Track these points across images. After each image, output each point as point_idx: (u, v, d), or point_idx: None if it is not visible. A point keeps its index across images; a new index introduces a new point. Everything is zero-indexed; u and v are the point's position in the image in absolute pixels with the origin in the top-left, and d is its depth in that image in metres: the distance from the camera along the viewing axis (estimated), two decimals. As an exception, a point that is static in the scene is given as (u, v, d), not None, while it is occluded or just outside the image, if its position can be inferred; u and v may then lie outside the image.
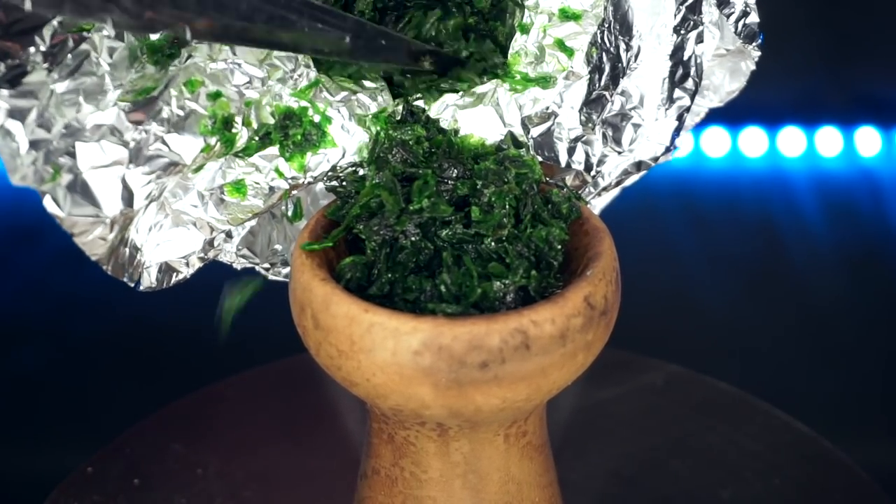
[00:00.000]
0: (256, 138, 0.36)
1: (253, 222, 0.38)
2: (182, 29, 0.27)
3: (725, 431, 0.52)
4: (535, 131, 0.36)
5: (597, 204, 0.41)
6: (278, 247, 0.40)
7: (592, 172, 0.36)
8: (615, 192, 0.40)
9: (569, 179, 0.37)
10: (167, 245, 0.36)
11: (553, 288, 0.33)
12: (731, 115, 0.93)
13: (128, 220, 0.35)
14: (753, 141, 0.92)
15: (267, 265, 0.40)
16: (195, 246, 0.36)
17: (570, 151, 0.37)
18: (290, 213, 0.40)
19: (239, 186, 0.36)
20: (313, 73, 0.35)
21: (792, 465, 0.50)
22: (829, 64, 0.93)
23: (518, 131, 0.36)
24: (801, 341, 0.70)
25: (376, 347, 0.30)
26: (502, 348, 0.30)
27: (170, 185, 0.35)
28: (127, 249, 0.36)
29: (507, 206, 0.33)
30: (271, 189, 0.36)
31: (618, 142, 0.36)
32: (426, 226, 0.33)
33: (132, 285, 0.36)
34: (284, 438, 0.53)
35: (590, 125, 0.36)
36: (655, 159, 0.37)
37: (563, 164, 0.36)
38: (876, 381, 0.66)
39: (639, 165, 0.37)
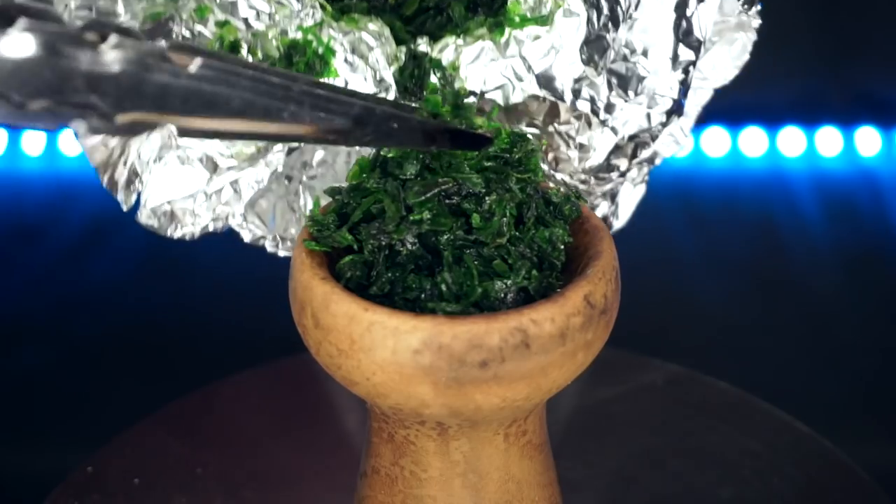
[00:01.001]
0: None
1: (261, 181, 0.38)
2: (169, 129, 0.25)
3: (725, 431, 0.52)
4: (538, 66, 0.36)
5: (628, 200, 0.41)
6: (292, 230, 0.40)
7: (601, 117, 0.36)
8: (641, 188, 0.40)
9: (586, 136, 0.37)
10: (171, 184, 0.36)
11: (553, 287, 0.33)
12: (731, 115, 0.93)
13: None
14: (753, 141, 0.92)
15: (273, 240, 0.40)
16: (199, 185, 0.36)
17: (576, 93, 0.36)
18: (310, 209, 0.40)
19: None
20: (319, 14, 0.36)
21: (792, 465, 0.50)
22: (829, 64, 0.94)
23: (519, 66, 0.36)
24: (801, 341, 0.70)
25: (376, 346, 0.30)
26: (502, 347, 0.30)
27: None
28: (126, 171, 0.36)
29: (508, 214, 0.33)
30: None
31: (624, 90, 0.36)
32: (426, 235, 0.33)
33: (124, 209, 0.36)
34: (284, 438, 0.53)
35: (592, 65, 0.36)
36: (664, 124, 0.36)
37: (567, 104, 0.36)
38: (876, 381, 0.66)
39: (649, 131, 0.36)
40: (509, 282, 0.32)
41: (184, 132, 0.24)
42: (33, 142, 0.90)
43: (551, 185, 0.36)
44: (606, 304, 0.32)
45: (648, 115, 0.36)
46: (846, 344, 0.70)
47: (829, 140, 0.91)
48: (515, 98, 0.38)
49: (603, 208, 0.40)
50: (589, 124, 0.37)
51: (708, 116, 0.93)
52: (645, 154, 0.38)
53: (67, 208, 0.84)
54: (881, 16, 0.92)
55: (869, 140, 0.91)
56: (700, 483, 0.50)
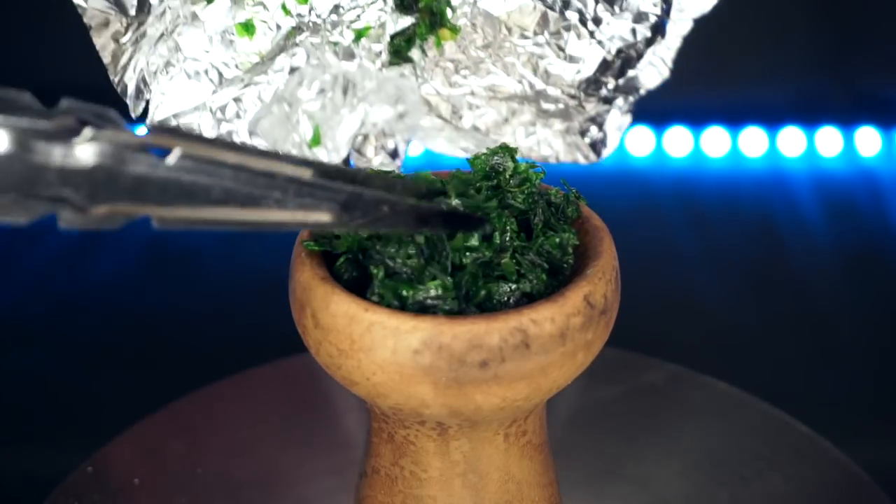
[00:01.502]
0: None
1: (264, 98, 0.38)
2: (149, 219, 0.24)
3: (725, 431, 0.52)
4: None
5: (615, 128, 0.41)
6: (292, 152, 0.40)
7: (589, 28, 0.37)
8: (628, 118, 0.41)
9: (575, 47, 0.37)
10: (178, 97, 0.37)
11: (553, 287, 0.33)
12: (731, 115, 0.93)
13: (141, 34, 0.35)
14: (753, 141, 0.92)
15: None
16: (205, 96, 0.37)
17: (565, 4, 0.37)
18: (309, 138, 0.40)
19: (248, 26, 0.37)
20: None
21: (792, 465, 0.50)
22: (829, 64, 0.94)
23: None
24: (801, 341, 0.70)
25: (376, 346, 0.30)
26: (502, 347, 0.30)
27: (183, 13, 0.36)
28: (135, 78, 0.36)
29: (510, 229, 0.33)
30: (278, 27, 0.36)
31: (610, 3, 0.37)
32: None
33: (132, 115, 0.37)
34: (284, 438, 0.53)
35: None
36: (649, 40, 0.37)
37: (557, 13, 0.37)
38: (876, 380, 0.66)
39: (634, 47, 0.37)
40: (515, 286, 0.32)
41: (163, 221, 0.24)
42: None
43: (551, 188, 0.36)
44: (606, 304, 0.32)
45: (634, 31, 0.37)
46: (846, 344, 0.69)
47: (829, 140, 0.91)
48: (509, 6, 0.39)
49: (593, 133, 0.41)
50: (578, 36, 0.38)
51: (708, 116, 0.94)
52: (631, 72, 0.39)
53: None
54: (881, 16, 0.92)
55: (869, 140, 0.91)
56: (700, 483, 0.50)
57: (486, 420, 0.32)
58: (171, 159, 0.23)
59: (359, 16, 0.38)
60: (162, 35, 0.36)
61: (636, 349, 0.56)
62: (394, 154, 0.42)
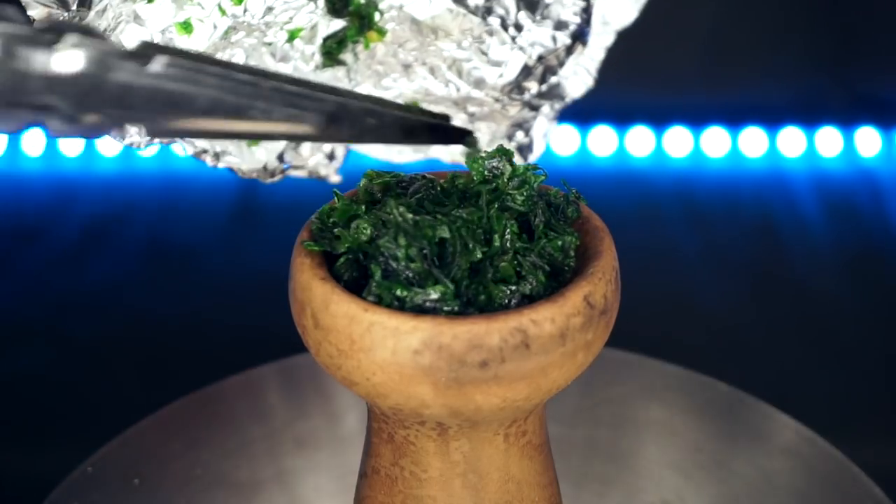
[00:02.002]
0: None
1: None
2: (137, 130, 0.24)
3: (726, 431, 0.52)
4: None
5: (541, 134, 0.43)
6: (230, 147, 0.41)
7: (511, 33, 0.38)
8: (553, 125, 0.42)
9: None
10: None
11: (553, 288, 0.33)
12: (731, 115, 0.93)
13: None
14: (753, 141, 0.92)
15: (213, 156, 0.41)
16: None
17: (487, 10, 0.39)
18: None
19: (186, 25, 0.38)
20: None
21: (792, 466, 0.50)
22: (829, 64, 0.94)
23: None
24: (801, 341, 0.70)
25: (376, 346, 0.30)
26: (502, 347, 0.30)
27: (125, 12, 0.37)
28: None
29: (510, 231, 0.33)
30: (215, 26, 0.38)
31: (531, 11, 0.38)
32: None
33: None
34: (284, 438, 0.53)
35: None
36: (569, 48, 0.38)
37: (479, 19, 0.38)
38: (876, 381, 0.66)
39: (555, 53, 0.38)
40: (515, 288, 0.32)
41: (152, 132, 0.24)
42: (33, 142, 0.90)
43: (551, 188, 0.36)
44: (606, 304, 0.32)
45: (554, 38, 0.38)
46: (846, 344, 0.70)
47: (829, 140, 0.91)
48: (434, 10, 0.39)
49: (519, 138, 0.42)
50: (500, 41, 0.39)
51: (708, 116, 0.94)
52: (554, 79, 0.39)
53: (67, 208, 0.84)
54: (881, 16, 0.92)
55: (869, 140, 0.91)
56: (700, 483, 0.50)
57: (486, 420, 0.32)
58: (156, 66, 0.23)
59: (291, 18, 0.40)
60: (105, 31, 0.37)
61: (636, 349, 0.56)
62: (331, 156, 0.44)
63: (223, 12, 0.39)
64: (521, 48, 0.40)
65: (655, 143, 0.92)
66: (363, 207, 0.33)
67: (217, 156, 0.41)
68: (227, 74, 0.25)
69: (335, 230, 0.33)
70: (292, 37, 0.41)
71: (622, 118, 0.92)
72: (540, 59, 0.40)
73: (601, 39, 0.42)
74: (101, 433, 0.51)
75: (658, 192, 0.88)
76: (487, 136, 0.38)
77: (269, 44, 0.40)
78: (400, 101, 0.42)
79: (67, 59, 0.21)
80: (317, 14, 0.41)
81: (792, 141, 0.91)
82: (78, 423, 0.61)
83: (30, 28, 0.21)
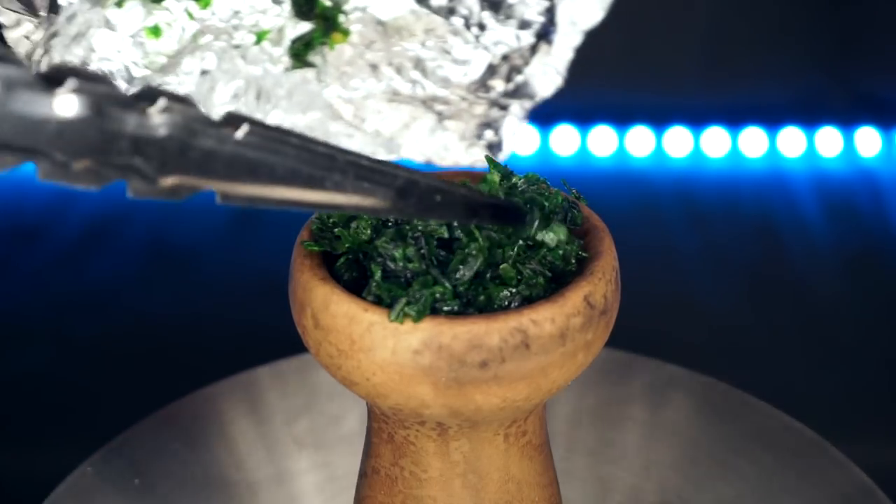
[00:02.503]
0: None
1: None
2: (214, 195, 0.24)
3: (726, 431, 0.52)
4: None
5: (511, 133, 0.43)
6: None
7: (474, 32, 0.39)
8: (524, 124, 0.43)
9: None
10: None
11: (553, 289, 0.32)
12: (731, 115, 0.93)
13: (52, 34, 0.38)
14: (753, 141, 0.92)
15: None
16: None
17: (450, 10, 0.40)
18: None
19: (155, 29, 0.40)
20: None
21: (791, 465, 0.50)
22: (829, 64, 0.94)
23: None
24: (801, 341, 0.70)
25: (376, 346, 0.30)
26: (502, 347, 0.30)
27: (95, 20, 0.38)
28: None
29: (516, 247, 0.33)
30: (183, 30, 0.40)
31: (495, 11, 0.39)
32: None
33: None
34: (284, 438, 0.53)
35: None
36: (534, 47, 0.39)
37: (442, 19, 0.39)
38: (876, 381, 0.66)
39: (520, 52, 0.39)
40: (514, 290, 0.32)
41: (226, 197, 0.24)
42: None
43: (552, 189, 0.36)
44: (606, 304, 0.32)
45: (518, 37, 0.39)
46: (846, 344, 0.70)
47: (829, 140, 0.91)
48: (397, 11, 0.40)
49: (489, 136, 0.42)
50: (464, 40, 0.40)
51: (708, 116, 0.94)
52: (519, 78, 0.40)
53: (67, 208, 0.84)
54: (881, 16, 0.92)
55: (869, 140, 0.91)
56: (700, 483, 0.50)
57: (486, 420, 0.32)
58: (240, 134, 0.23)
59: (257, 21, 0.40)
60: (76, 36, 0.38)
61: (636, 349, 0.56)
62: None
63: (191, 16, 0.40)
64: (484, 47, 0.41)
65: (655, 143, 0.92)
66: None
67: None
68: (305, 146, 0.25)
69: (335, 230, 0.33)
70: (259, 39, 0.42)
71: (622, 118, 0.92)
72: (504, 57, 0.41)
73: (569, 39, 0.43)
74: (101, 433, 0.51)
75: (658, 192, 0.88)
76: (457, 135, 0.38)
77: (238, 46, 0.41)
78: (371, 101, 0.43)
79: (157, 123, 0.22)
80: (283, 17, 0.42)
81: (792, 141, 0.91)
82: (78, 423, 0.61)
83: (121, 89, 0.21)
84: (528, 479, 0.36)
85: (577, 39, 0.42)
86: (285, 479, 0.51)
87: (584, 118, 0.92)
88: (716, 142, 0.92)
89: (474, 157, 0.38)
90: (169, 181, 0.23)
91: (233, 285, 0.75)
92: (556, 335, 0.30)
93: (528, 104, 0.41)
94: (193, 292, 0.75)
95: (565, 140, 0.91)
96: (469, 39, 0.40)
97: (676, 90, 0.94)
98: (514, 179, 0.35)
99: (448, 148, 0.38)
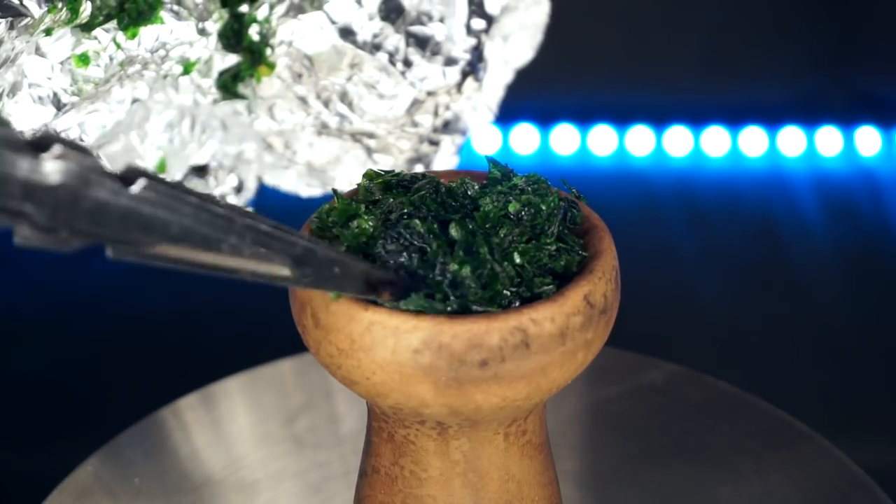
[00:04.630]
0: (101, 17, 0.40)
1: (104, 126, 0.42)
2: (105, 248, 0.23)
3: (725, 431, 0.52)
4: (340, 20, 0.41)
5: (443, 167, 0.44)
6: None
7: (399, 68, 0.41)
8: (455, 159, 0.44)
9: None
10: (23, 117, 0.41)
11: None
12: (731, 115, 0.93)
13: None
14: (753, 141, 0.92)
15: None
16: (48, 119, 0.41)
17: (376, 47, 0.41)
18: (154, 167, 0.45)
19: (83, 58, 0.40)
20: None
21: (791, 465, 0.50)
22: (829, 64, 0.94)
23: (323, 19, 0.41)
24: (801, 341, 0.70)
25: (376, 346, 0.30)
26: (502, 347, 0.30)
27: (25, 50, 0.39)
28: None
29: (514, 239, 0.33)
30: (111, 58, 0.41)
31: (421, 48, 0.40)
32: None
33: None
34: (284, 438, 0.53)
35: (390, 21, 0.40)
36: (459, 84, 0.40)
37: (367, 55, 0.40)
38: (876, 380, 0.66)
39: (446, 89, 0.40)
40: (514, 290, 0.32)
41: (118, 252, 0.23)
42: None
43: (553, 189, 0.36)
44: (606, 303, 0.32)
45: (444, 73, 0.40)
46: (846, 344, 0.70)
47: (829, 140, 0.91)
48: (321, 47, 0.41)
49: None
50: (388, 75, 0.40)
51: (708, 116, 0.94)
52: (448, 114, 0.41)
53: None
54: (881, 16, 0.92)
55: (869, 140, 0.91)
56: (700, 483, 0.50)
57: (486, 419, 0.32)
58: (136, 188, 0.23)
59: (184, 52, 0.41)
60: (5, 62, 0.39)
61: (636, 349, 0.56)
62: (238, 188, 0.45)
63: (118, 46, 0.41)
64: (410, 83, 0.41)
65: (655, 142, 0.92)
66: (362, 207, 0.33)
67: None
68: (204, 206, 0.25)
69: (334, 230, 0.33)
70: (187, 70, 0.43)
71: (622, 118, 0.92)
72: (430, 93, 0.41)
73: (500, 77, 0.44)
74: (101, 433, 0.51)
75: (658, 191, 0.88)
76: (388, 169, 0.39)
77: (166, 76, 0.42)
78: (302, 133, 0.43)
79: (50, 170, 0.21)
80: (209, 49, 0.43)
81: (792, 141, 0.91)
82: (78, 423, 0.61)
83: (16, 133, 0.21)
84: (528, 478, 0.36)
85: (508, 77, 0.43)
86: (285, 478, 0.51)
87: (584, 118, 0.92)
88: (716, 141, 0.92)
89: None
90: (59, 230, 0.22)
91: (233, 285, 0.74)
92: (556, 334, 0.30)
93: (460, 140, 0.42)
94: (193, 292, 0.75)
95: (565, 140, 0.92)
96: (394, 75, 0.41)
97: (676, 90, 0.94)
98: (514, 179, 0.35)
99: None
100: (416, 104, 0.41)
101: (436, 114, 0.41)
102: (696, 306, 0.73)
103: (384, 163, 0.41)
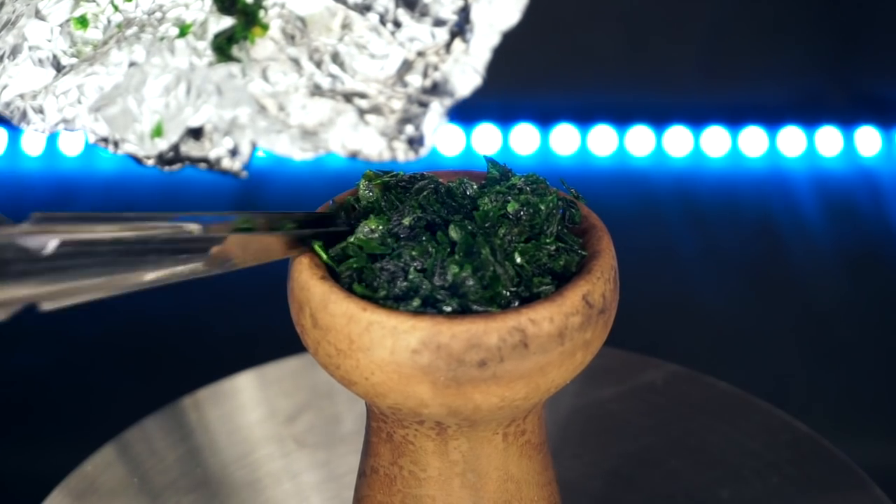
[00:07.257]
0: None
1: (103, 85, 0.42)
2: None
3: (725, 431, 0.52)
4: None
5: (431, 128, 0.45)
6: (130, 136, 0.44)
7: (389, 29, 0.41)
8: (444, 120, 0.44)
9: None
10: (24, 79, 0.41)
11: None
12: (731, 115, 0.93)
13: None
14: (753, 141, 0.92)
15: (114, 144, 0.44)
16: (48, 81, 0.41)
17: (366, 7, 0.42)
18: (150, 130, 0.45)
19: (82, 20, 0.41)
20: None
21: (792, 465, 0.50)
22: (829, 64, 0.94)
23: None
24: (801, 341, 0.70)
25: (375, 346, 0.30)
26: (500, 347, 0.30)
27: (25, 13, 0.40)
28: None
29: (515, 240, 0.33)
30: (108, 20, 0.41)
31: (410, 9, 0.41)
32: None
33: None
34: (284, 438, 0.53)
35: None
36: (448, 44, 0.40)
37: (358, 15, 0.40)
38: (876, 381, 0.66)
39: (435, 49, 0.40)
40: (513, 290, 0.32)
41: (48, 303, 0.25)
42: (33, 142, 0.90)
43: (552, 189, 0.36)
44: (605, 303, 0.32)
45: (433, 34, 0.41)
46: (846, 343, 0.70)
47: (829, 140, 0.91)
48: (313, 8, 0.42)
49: (409, 131, 0.44)
50: (379, 35, 0.41)
51: (708, 116, 0.94)
52: (437, 75, 0.41)
53: (67, 208, 0.84)
54: (881, 16, 0.92)
55: (869, 140, 0.91)
56: (700, 483, 0.50)
57: (484, 420, 0.32)
58: (49, 249, 0.24)
59: (180, 14, 0.42)
60: (6, 24, 0.40)
61: (636, 349, 0.56)
62: (234, 151, 0.45)
63: (116, 8, 0.42)
64: (400, 43, 0.42)
65: (655, 142, 0.92)
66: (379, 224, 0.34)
67: (116, 144, 0.43)
68: (118, 237, 0.26)
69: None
70: (183, 32, 0.43)
71: (622, 118, 0.92)
72: (420, 54, 0.42)
73: (486, 40, 0.44)
74: (101, 433, 0.51)
75: (658, 191, 0.88)
76: (377, 131, 0.39)
77: (162, 39, 0.42)
78: (294, 95, 0.44)
79: None
80: (205, 11, 0.43)
81: (792, 141, 0.91)
82: (78, 423, 0.61)
83: None
84: (526, 478, 0.36)
85: (494, 40, 0.44)
86: (285, 478, 0.51)
87: (584, 118, 0.92)
88: (716, 141, 0.92)
89: (397, 152, 0.39)
90: None
91: (233, 285, 0.75)
92: (555, 334, 0.30)
93: (448, 102, 0.43)
94: (193, 292, 0.75)
95: (565, 140, 0.91)
96: (384, 35, 0.42)
97: (676, 90, 0.94)
98: (512, 179, 0.35)
99: (371, 142, 0.38)
100: (406, 64, 0.42)
101: (425, 74, 0.42)
102: (695, 306, 0.73)
103: (375, 124, 0.42)
